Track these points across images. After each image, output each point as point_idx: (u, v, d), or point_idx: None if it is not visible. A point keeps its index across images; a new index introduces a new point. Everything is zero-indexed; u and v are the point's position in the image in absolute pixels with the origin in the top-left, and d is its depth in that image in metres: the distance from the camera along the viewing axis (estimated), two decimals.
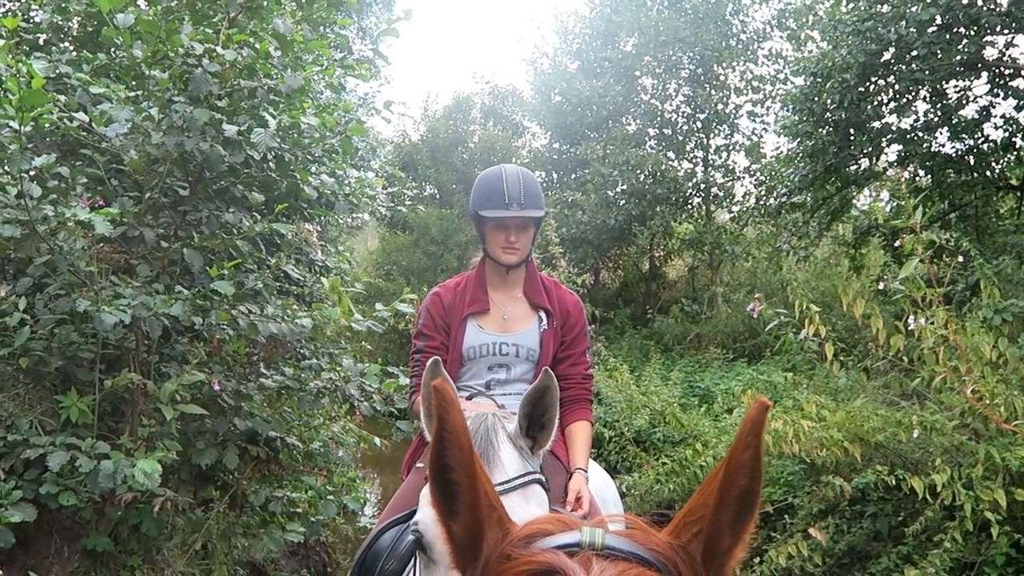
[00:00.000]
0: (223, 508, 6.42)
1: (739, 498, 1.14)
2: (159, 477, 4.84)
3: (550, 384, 2.70)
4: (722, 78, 18.52)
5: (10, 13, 6.38)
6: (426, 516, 2.57)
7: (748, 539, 1.18)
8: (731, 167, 19.08)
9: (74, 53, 6.27)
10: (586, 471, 3.56)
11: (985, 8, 9.69)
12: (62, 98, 5.26)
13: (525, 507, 2.55)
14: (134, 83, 5.67)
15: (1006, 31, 10.35)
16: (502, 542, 1.15)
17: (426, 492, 2.67)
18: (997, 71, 10.98)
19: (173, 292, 5.26)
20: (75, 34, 6.56)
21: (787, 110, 13.45)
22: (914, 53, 10.13)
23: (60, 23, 6.37)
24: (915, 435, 6.19)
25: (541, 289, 3.83)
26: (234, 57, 5.15)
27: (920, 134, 11.60)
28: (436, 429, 1.18)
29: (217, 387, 5.73)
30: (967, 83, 11.42)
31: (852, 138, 11.66)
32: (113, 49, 6.00)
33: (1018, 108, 11.00)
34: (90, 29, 6.34)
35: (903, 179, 8.13)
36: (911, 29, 9.77)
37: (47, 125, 4.99)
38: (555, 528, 1.16)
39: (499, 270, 3.77)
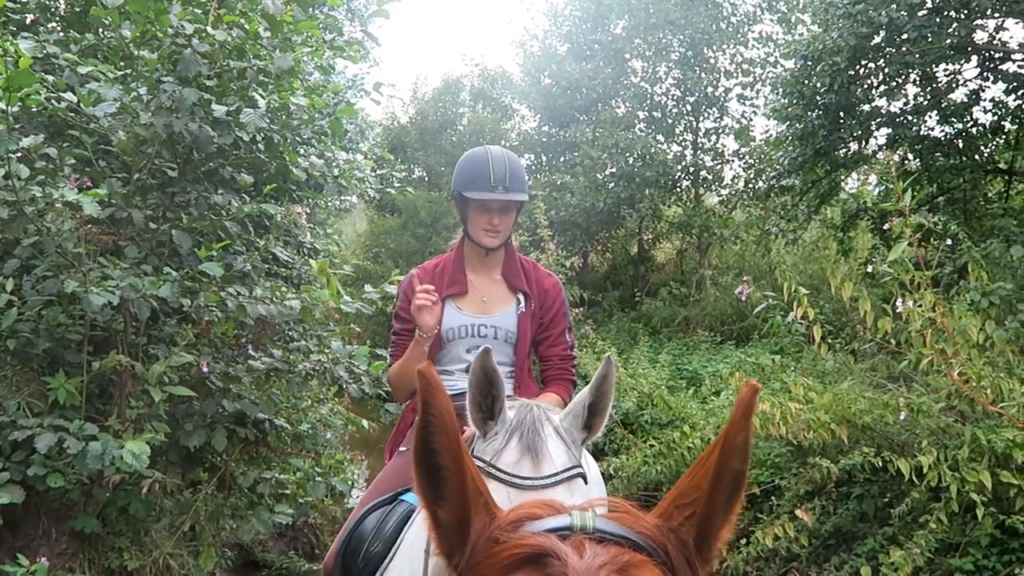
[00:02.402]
0: (211, 490, 6.43)
1: (731, 481, 1.15)
2: (147, 459, 4.84)
3: (609, 371, 2.68)
4: (712, 61, 18.47)
5: None
6: None
7: (735, 520, 1.19)
8: (720, 150, 19.06)
9: (61, 33, 6.23)
10: None
11: None
12: (50, 78, 5.23)
13: (570, 500, 2.53)
14: (122, 63, 5.64)
15: (996, 15, 10.35)
16: (490, 526, 1.15)
17: None
18: (987, 55, 10.98)
19: (161, 273, 5.25)
20: (62, 14, 6.52)
21: (777, 93, 13.45)
22: (904, 36, 10.12)
23: (47, 3, 6.33)
24: (902, 417, 6.22)
25: (520, 271, 3.82)
26: (224, 37, 5.13)
27: (910, 117, 11.61)
28: (421, 414, 1.17)
29: (205, 369, 5.73)
30: (957, 67, 11.42)
31: (842, 121, 11.67)
32: (101, 29, 5.96)
33: (1007, 92, 11.02)
34: (77, 9, 6.31)
35: (892, 162, 8.12)
36: (902, 12, 9.76)
37: (34, 106, 4.97)
38: (544, 512, 1.16)
39: (478, 252, 3.76)
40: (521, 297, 3.77)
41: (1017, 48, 10.74)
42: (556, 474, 2.56)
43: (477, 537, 1.15)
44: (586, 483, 2.68)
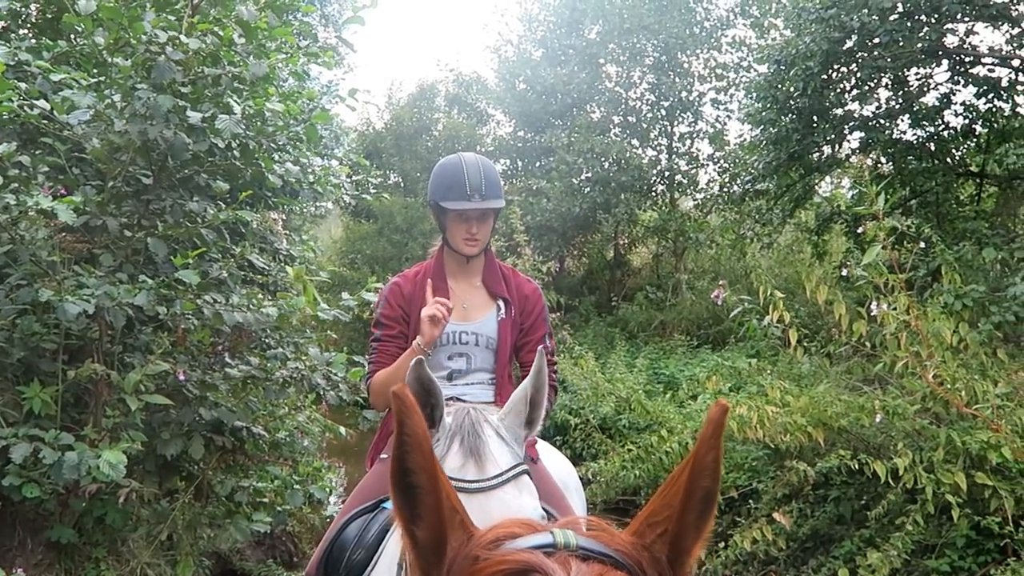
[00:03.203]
0: (189, 499, 6.39)
1: (702, 499, 1.16)
2: (124, 468, 4.81)
3: (542, 364, 2.72)
4: (686, 66, 18.59)
5: None
6: None
7: (708, 537, 1.20)
8: (695, 154, 19.19)
9: (33, 40, 6.18)
10: None
11: None
12: (23, 85, 5.19)
13: (519, 498, 2.53)
14: (96, 71, 5.60)
15: (966, 19, 10.45)
16: (467, 544, 1.15)
17: None
18: (957, 59, 11.09)
19: (137, 281, 5.22)
20: (34, 20, 6.47)
21: (751, 98, 13.52)
22: (876, 41, 10.20)
23: (19, 9, 6.28)
24: (877, 420, 6.26)
25: (500, 278, 3.82)
26: (198, 45, 5.10)
27: (882, 121, 11.70)
28: (397, 434, 1.17)
29: (182, 377, 5.70)
30: (928, 70, 11.53)
31: (815, 125, 11.74)
32: (74, 36, 5.92)
33: (978, 95, 11.12)
34: (49, 16, 6.26)
35: (865, 166, 8.19)
36: (873, 16, 9.84)
37: (6, 113, 4.93)
38: (522, 531, 1.16)
39: (459, 259, 3.76)
40: (501, 304, 3.77)
41: (987, 52, 10.85)
42: (501, 474, 2.57)
43: (454, 555, 1.15)
44: (531, 478, 2.70)
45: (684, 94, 18.45)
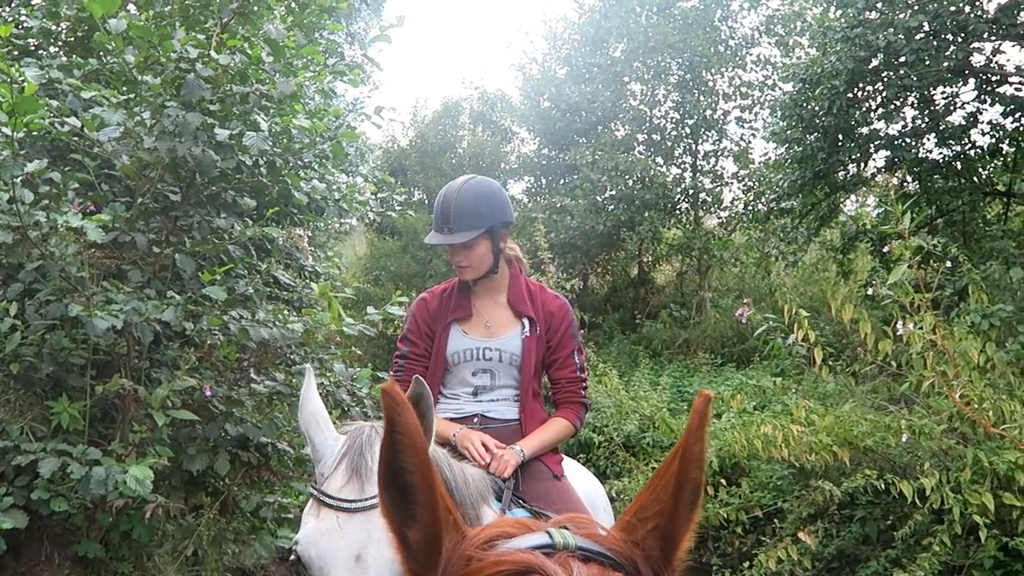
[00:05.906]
0: (214, 514, 6.40)
1: (691, 490, 1.16)
2: (150, 483, 4.83)
3: (423, 392, 2.78)
4: (711, 84, 18.58)
5: (0, 20, 6.38)
6: (307, 532, 2.62)
7: (695, 528, 1.19)
8: (719, 172, 19.14)
9: (64, 58, 6.24)
10: (523, 451, 3.58)
11: (972, 15, 9.76)
12: (54, 103, 5.24)
13: None
14: (125, 88, 5.65)
15: (993, 38, 10.42)
16: (461, 545, 1.14)
17: (307, 513, 2.71)
18: (984, 77, 11.05)
19: (165, 297, 5.25)
20: (65, 39, 6.54)
21: (776, 116, 13.51)
22: (902, 59, 10.19)
23: (50, 28, 6.35)
24: (904, 439, 6.23)
25: (525, 296, 3.83)
26: (228, 61, 5.15)
27: (908, 140, 11.67)
28: (387, 431, 1.16)
29: (208, 392, 5.72)
30: (955, 89, 11.50)
31: (840, 144, 11.72)
32: (104, 54, 5.98)
33: (1005, 114, 11.09)
34: (80, 34, 6.33)
35: (891, 185, 8.16)
36: (899, 36, 9.83)
37: (37, 131, 4.97)
38: (516, 530, 1.15)
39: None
40: (526, 322, 3.77)
41: (1014, 71, 10.81)
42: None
43: (449, 556, 1.14)
44: None
45: (709, 112, 18.44)
